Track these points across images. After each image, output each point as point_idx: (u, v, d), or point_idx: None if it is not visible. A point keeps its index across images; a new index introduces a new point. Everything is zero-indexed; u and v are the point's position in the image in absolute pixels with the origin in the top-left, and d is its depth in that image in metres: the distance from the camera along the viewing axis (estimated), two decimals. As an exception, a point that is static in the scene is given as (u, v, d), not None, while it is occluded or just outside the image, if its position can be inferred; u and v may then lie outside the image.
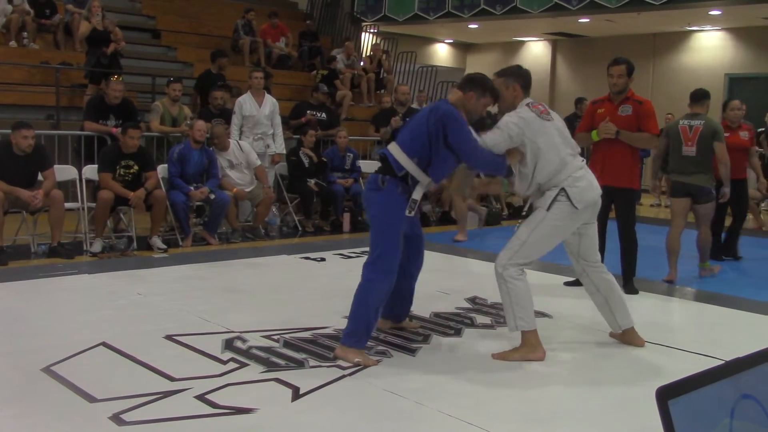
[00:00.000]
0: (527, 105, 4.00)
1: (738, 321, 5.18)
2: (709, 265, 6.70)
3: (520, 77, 4.08)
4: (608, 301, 4.26)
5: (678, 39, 15.84)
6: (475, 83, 3.99)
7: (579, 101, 12.15)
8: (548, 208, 3.90)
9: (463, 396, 3.48)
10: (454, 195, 6.49)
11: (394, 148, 3.92)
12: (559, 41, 17.84)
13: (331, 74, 12.10)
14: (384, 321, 4.32)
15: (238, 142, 8.05)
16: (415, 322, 4.61)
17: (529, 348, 3.98)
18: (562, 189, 3.88)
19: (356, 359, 3.81)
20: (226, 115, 8.60)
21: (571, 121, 11.79)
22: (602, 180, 5.59)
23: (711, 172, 6.28)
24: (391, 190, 3.87)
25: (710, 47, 15.58)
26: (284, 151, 8.82)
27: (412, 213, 3.92)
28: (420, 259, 4.34)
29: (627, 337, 4.33)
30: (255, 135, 8.43)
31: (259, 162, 8.06)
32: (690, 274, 6.80)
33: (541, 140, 3.90)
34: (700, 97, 6.58)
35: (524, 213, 4.24)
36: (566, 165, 3.92)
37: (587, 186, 3.95)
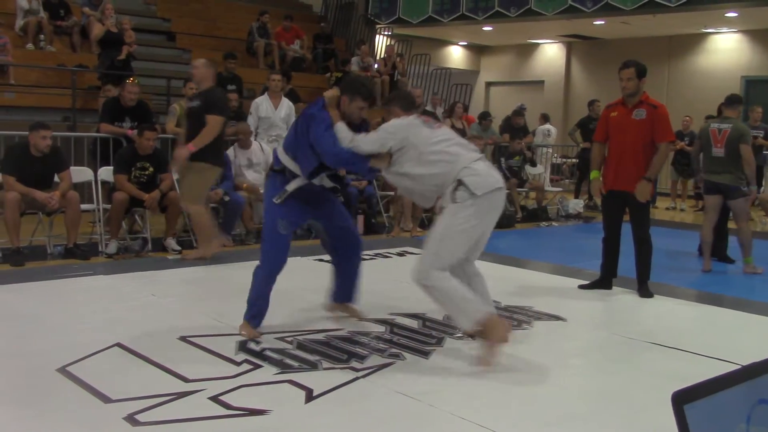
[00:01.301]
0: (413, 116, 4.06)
1: (753, 325, 5.13)
2: (752, 261, 6.95)
3: (399, 100, 4.21)
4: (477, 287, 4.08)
5: (694, 41, 15.75)
6: (346, 86, 4.14)
7: (591, 103, 12.12)
8: (452, 202, 3.80)
9: (476, 398, 3.48)
10: (186, 202, 6.35)
11: (280, 146, 4.34)
12: (574, 43, 17.78)
13: (344, 77, 12.10)
14: (331, 305, 4.69)
15: (260, 144, 8.09)
16: (359, 311, 4.70)
17: (493, 331, 3.81)
18: (458, 180, 3.76)
19: (243, 332, 4.23)
20: (240, 118, 8.63)
21: (585, 124, 11.83)
22: (616, 184, 5.62)
23: (739, 171, 6.72)
24: (271, 183, 4.35)
25: (726, 49, 15.48)
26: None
27: (280, 200, 4.19)
28: (356, 248, 4.59)
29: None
30: (270, 137, 8.46)
31: None
32: (704, 278, 6.77)
33: (424, 144, 3.86)
34: (733, 101, 7.08)
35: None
36: (458, 157, 3.82)
37: (485, 173, 3.83)
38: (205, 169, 6.34)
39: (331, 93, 4.18)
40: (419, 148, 3.87)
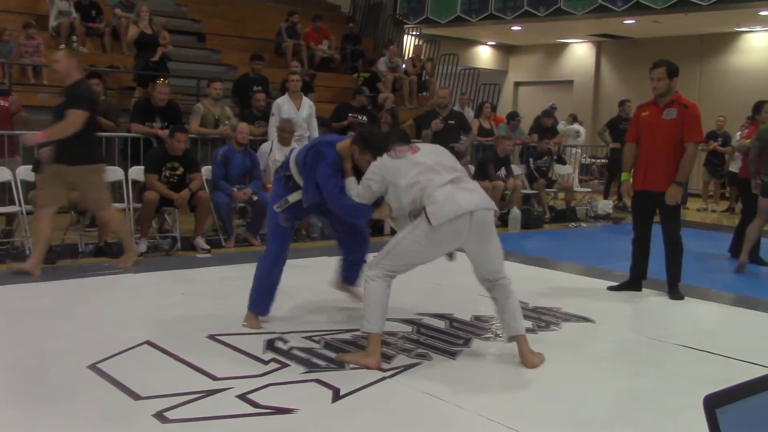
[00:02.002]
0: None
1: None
2: None
3: (362, 144, 4.11)
4: (504, 308, 4.01)
5: (726, 40, 15.52)
6: (359, 139, 4.14)
7: (622, 103, 12.00)
8: (415, 226, 3.79)
9: (504, 400, 3.46)
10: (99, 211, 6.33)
11: (293, 154, 4.38)
12: (604, 43, 17.62)
13: (372, 77, 12.12)
14: (338, 283, 4.96)
15: (299, 147, 8.11)
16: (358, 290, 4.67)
17: (366, 353, 3.87)
18: (422, 208, 3.72)
19: (245, 323, 4.47)
20: (268, 118, 8.68)
21: (615, 124, 11.73)
22: (645, 185, 5.56)
23: None
24: (276, 185, 4.51)
25: (760, 48, 15.24)
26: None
27: (280, 209, 4.33)
28: (363, 245, 4.81)
29: (519, 347, 4.00)
30: (293, 137, 8.48)
31: None
32: (736, 280, 6.67)
33: (397, 178, 3.84)
34: None
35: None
36: (425, 186, 3.75)
37: (445, 200, 3.69)
38: (93, 171, 5.89)
39: (343, 144, 4.21)
40: (397, 183, 3.85)
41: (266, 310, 4.58)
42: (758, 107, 7.74)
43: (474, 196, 3.81)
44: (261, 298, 4.55)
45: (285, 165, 4.44)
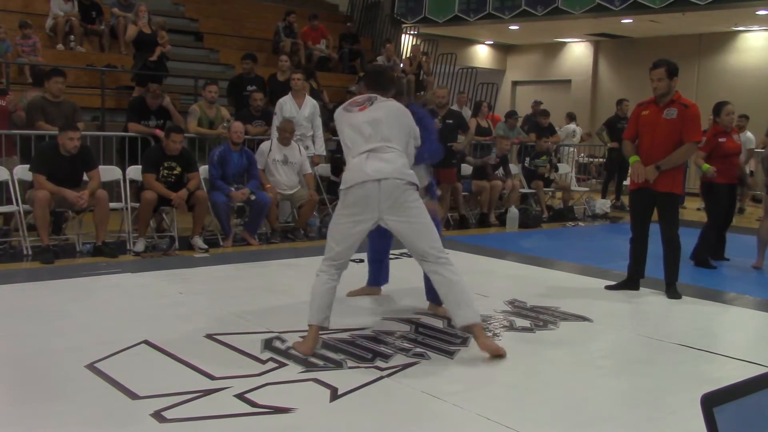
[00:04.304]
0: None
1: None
2: None
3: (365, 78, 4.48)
4: (446, 295, 4.00)
5: (724, 39, 15.54)
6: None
7: (620, 102, 12.01)
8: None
9: (502, 399, 3.46)
10: None
11: None
12: (602, 42, 17.64)
13: (368, 77, 12.08)
14: (430, 305, 4.92)
15: (300, 146, 8.12)
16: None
17: (303, 340, 4.02)
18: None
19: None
20: (266, 117, 8.68)
21: (613, 123, 11.73)
22: (645, 183, 5.55)
23: None
24: None
25: (757, 48, 15.26)
26: (324, 153, 8.86)
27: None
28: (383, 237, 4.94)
29: (475, 337, 4.02)
30: (294, 136, 8.49)
31: (311, 171, 8.17)
32: (734, 280, 6.68)
33: (340, 131, 4.12)
34: None
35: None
36: (348, 152, 3.98)
37: (354, 168, 3.88)
38: None
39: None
40: (341, 139, 4.12)
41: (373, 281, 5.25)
42: (718, 110, 7.16)
43: (387, 165, 3.85)
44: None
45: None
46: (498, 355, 3.95)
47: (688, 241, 5.89)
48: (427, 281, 4.57)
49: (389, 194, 3.80)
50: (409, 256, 7.03)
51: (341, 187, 3.92)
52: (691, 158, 6.64)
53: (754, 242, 7.08)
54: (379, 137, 3.94)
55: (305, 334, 4.31)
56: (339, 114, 4.15)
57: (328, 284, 3.99)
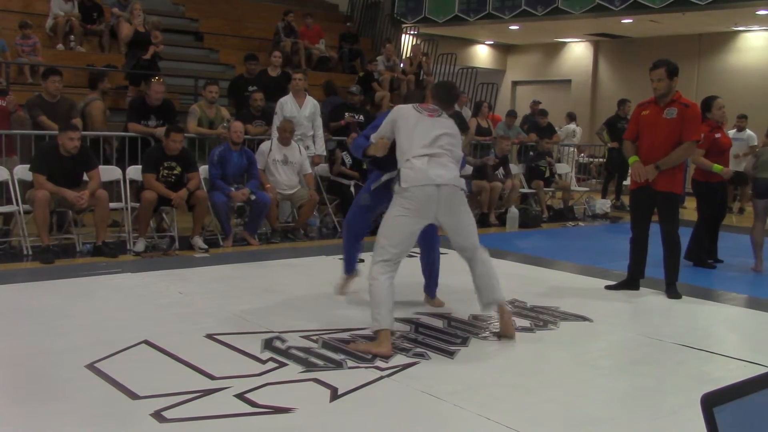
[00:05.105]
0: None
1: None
2: None
3: (410, 98, 4.76)
4: (475, 278, 4.41)
5: (724, 39, 15.54)
6: (404, 98, 4.93)
7: (622, 102, 12.00)
8: (393, 193, 4.22)
9: (502, 399, 3.46)
10: None
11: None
12: (602, 42, 17.63)
13: (366, 76, 12.10)
14: (426, 297, 5.22)
15: (300, 146, 8.12)
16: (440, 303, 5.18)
17: (376, 343, 4.03)
18: (398, 169, 4.16)
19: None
20: (266, 117, 8.68)
21: (613, 124, 11.73)
22: (645, 182, 5.55)
23: None
24: (372, 176, 4.99)
25: (757, 47, 15.25)
26: (325, 153, 8.86)
27: (375, 186, 4.79)
28: (433, 244, 5.08)
29: (500, 322, 4.46)
30: (295, 136, 8.49)
31: (311, 171, 8.17)
32: (733, 280, 6.68)
33: (403, 123, 4.27)
34: None
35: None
36: (408, 150, 4.17)
37: (418, 169, 4.08)
38: None
39: None
40: (399, 127, 4.28)
41: (352, 269, 5.25)
42: (708, 105, 7.03)
43: (446, 173, 4.15)
44: (348, 263, 5.22)
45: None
46: (507, 335, 4.39)
47: (688, 241, 5.89)
48: (426, 274, 5.10)
49: (447, 199, 4.14)
50: (409, 256, 7.06)
51: (402, 184, 4.06)
52: (690, 157, 6.60)
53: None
54: (440, 145, 4.23)
55: (307, 334, 4.31)
56: (407, 110, 4.32)
57: (390, 286, 4.07)
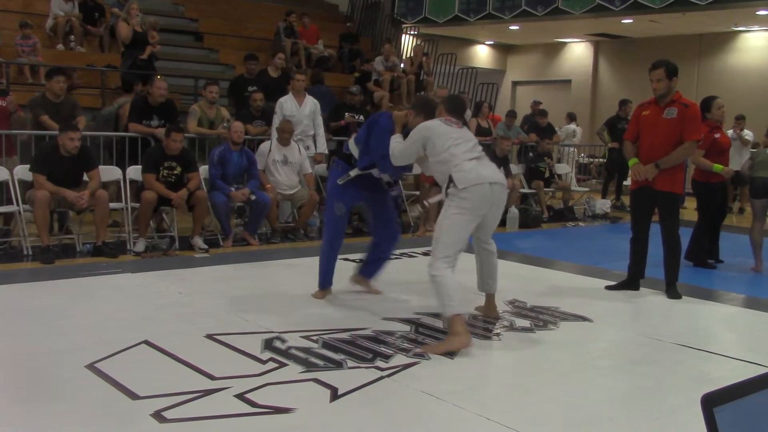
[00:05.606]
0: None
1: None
2: None
3: (423, 110, 4.79)
4: (483, 265, 4.77)
5: (724, 40, 15.54)
6: (416, 106, 4.90)
7: (623, 103, 11.99)
8: (446, 197, 4.38)
9: (502, 399, 3.46)
10: None
11: (352, 138, 5.17)
12: (602, 42, 17.63)
13: (364, 76, 12.09)
14: (356, 276, 5.49)
15: (299, 146, 8.12)
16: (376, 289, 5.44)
17: (453, 337, 4.11)
18: (450, 176, 4.34)
19: (313, 295, 5.25)
20: (266, 117, 8.68)
21: (613, 124, 11.73)
22: (645, 182, 5.56)
23: None
24: (335, 168, 5.20)
25: (757, 48, 15.25)
26: (326, 151, 8.86)
27: (342, 182, 5.01)
28: (393, 240, 5.34)
29: (486, 305, 4.91)
30: (295, 135, 8.49)
31: (311, 171, 8.18)
32: (733, 280, 6.68)
33: (439, 138, 4.46)
34: None
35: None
36: (455, 155, 4.38)
37: (470, 170, 4.32)
38: None
39: (397, 113, 4.90)
40: (435, 143, 4.47)
41: (327, 284, 5.29)
42: (708, 105, 6.96)
43: (493, 171, 4.48)
44: (323, 277, 5.28)
45: (346, 147, 5.17)
46: (493, 316, 4.85)
47: (688, 241, 5.89)
48: (369, 257, 5.39)
49: (499, 196, 4.43)
50: (409, 256, 7.07)
51: (460, 185, 4.25)
52: (690, 158, 6.60)
53: None
54: (479, 150, 4.55)
55: (307, 334, 4.31)
56: (437, 126, 4.54)
57: (453, 277, 4.23)
